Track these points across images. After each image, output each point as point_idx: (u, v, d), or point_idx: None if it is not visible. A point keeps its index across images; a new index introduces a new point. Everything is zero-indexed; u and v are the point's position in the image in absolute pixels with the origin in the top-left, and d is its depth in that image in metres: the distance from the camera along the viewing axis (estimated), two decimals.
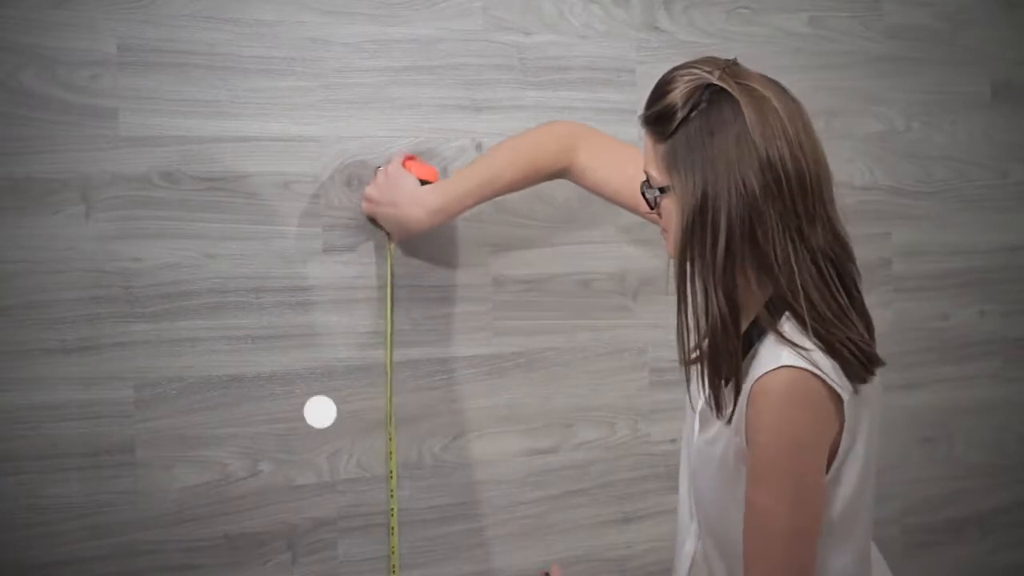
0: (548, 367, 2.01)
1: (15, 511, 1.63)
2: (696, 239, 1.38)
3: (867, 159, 2.29)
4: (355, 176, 1.85)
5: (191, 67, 1.73)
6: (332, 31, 1.83)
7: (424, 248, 1.89)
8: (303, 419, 1.81)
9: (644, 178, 1.46)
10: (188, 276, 1.73)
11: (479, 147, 1.93)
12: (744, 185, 1.35)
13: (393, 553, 1.85)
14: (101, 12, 1.68)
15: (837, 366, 1.37)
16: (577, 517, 2.03)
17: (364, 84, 1.85)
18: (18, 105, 1.63)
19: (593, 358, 2.04)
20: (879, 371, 1.43)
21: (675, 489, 2.08)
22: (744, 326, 1.41)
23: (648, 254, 2.08)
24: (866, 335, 1.41)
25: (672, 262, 1.44)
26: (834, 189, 1.43)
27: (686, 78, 1.39)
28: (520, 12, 1.97)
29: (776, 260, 1.36)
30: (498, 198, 1.88)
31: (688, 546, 1.55)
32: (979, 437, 2.47)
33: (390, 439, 1.84)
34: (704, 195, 1.36)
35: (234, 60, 1.76)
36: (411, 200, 1.76)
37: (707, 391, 1.43)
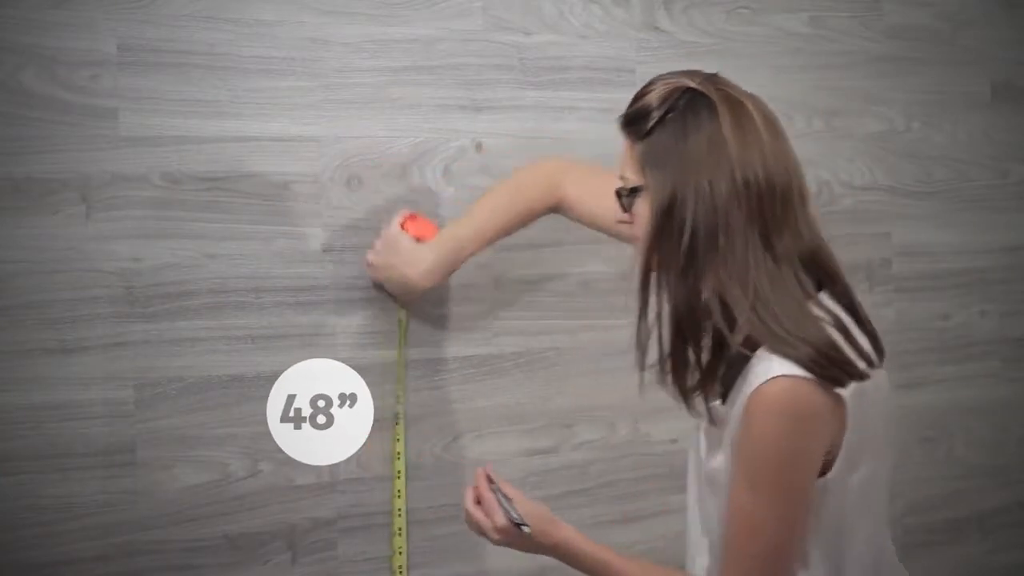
0: (548, 367, 2.00)
1: (15, 511, 1.63)
2: (662, 239, 1.38)
3: (867, 159, 2.29)
4: (355, 176, 1.85)
5: (191, 67, 1.73)
6: (332, 31, 1.83)
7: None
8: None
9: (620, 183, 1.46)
10: (188, 276, 1.73)
11: (479, 147, 1.93)
12: (712, 187, 1.35)
13: (400, 554, 1.84)
14: (101, 12, 1.68)
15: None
16: (577, 517, 2.02)
17: (364, 84, 1.85)
18: (18, 105, 1.63)
19: (593, 358, 2.03)
20: (887, 370, 1.43)
21: (675, 489, 2.09)
22: (738, 340, 1.38)
23: None
24: (867, 346, 1.40)
25: (635, 265, 1.43)
26: (809, 201, 1.42)
27: (665, 82, 1.41)
28: (520, 12, 1.97)
29: (735, 263, 1.35)
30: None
31: (701, 560, 1.54)
32: (979, 437, 2.47)
33: (398, 439, 1.84)
34: (673, 195, 1.36)
35: (234, 60, 1.76)
36: (407, 261, 1.76)
37: (683, 399, 1.43)
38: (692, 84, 1.39)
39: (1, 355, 1.62)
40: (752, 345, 1.37)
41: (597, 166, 1.81)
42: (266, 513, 1.79)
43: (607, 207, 1.55)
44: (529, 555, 1.84)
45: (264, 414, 1.78)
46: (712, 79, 1.41)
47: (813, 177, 2.22)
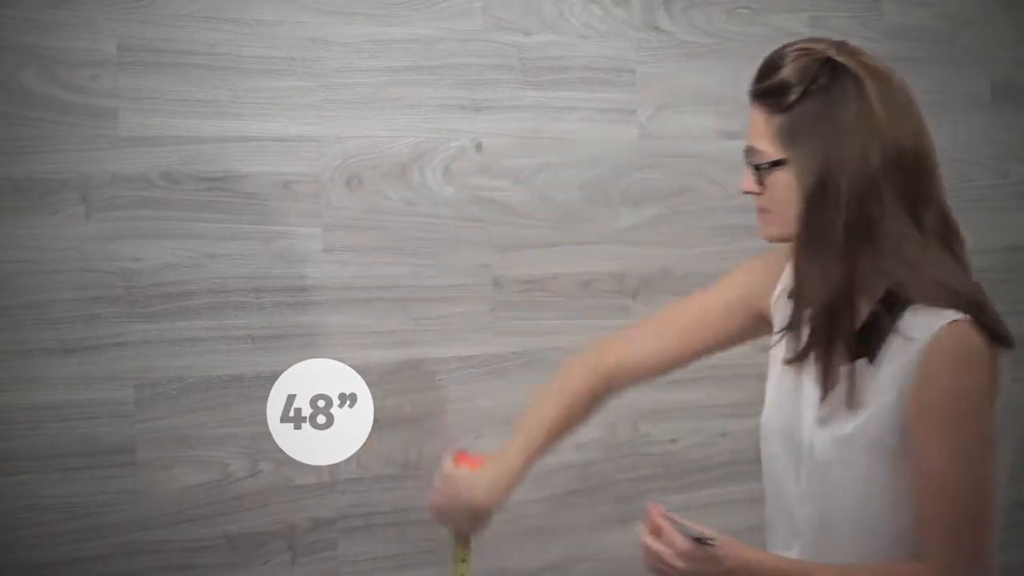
0: (548, 367, 2.00)
1: (15, 511, 1.63)
2: (816, 212, 1.37)
3: None
4: (355, 176, 1.85)
5: (191, 67, 1.73)
6: (332, 31, 1.83)
7: (423, 250, 1.89)
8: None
9: (753, 151, 1.43)
10: (188, 276, 1.73)
11: (479, 147, 1.93)
12: (865, 160, 1.34)
13: None
14: (101, 12, 1.68)
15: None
16: (577, 517, 2.03)
17: (364, 84, 1.85)
18: (18, 105, 1.63)
19: None
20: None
21: (675, 489, 2.09)
22: (867, 310, 1.37)
23: (648, 254, 2.08)
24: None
25: (759, 234, 1.43)
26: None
27: (801, 53, 1.40)
28: (520, 12, 1.97)
29: (888, 235, 1.35)
30: (498, 197, 1.87)
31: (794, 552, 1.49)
32: None
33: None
34: (825, 169, 1.36)
35: (234, 60, 1.76)
36: (467, 486, 1.61)
37: (840, 381, 1.39)
38: (831, 55, 1.38)
39: (1, 355, 1.62)
40: (902, 303, 1.36)
41: (627, 330, 1.74)
42: (266, 513, 1.79)
43: (649, 349, 1.58)
44: (528, 555, 1.85)
45: (264, 414, 1.78)
46: (846, 48, 1.40)
47: None
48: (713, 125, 2.14)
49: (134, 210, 1.70)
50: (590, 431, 2.04)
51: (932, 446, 1.34)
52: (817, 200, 1.37)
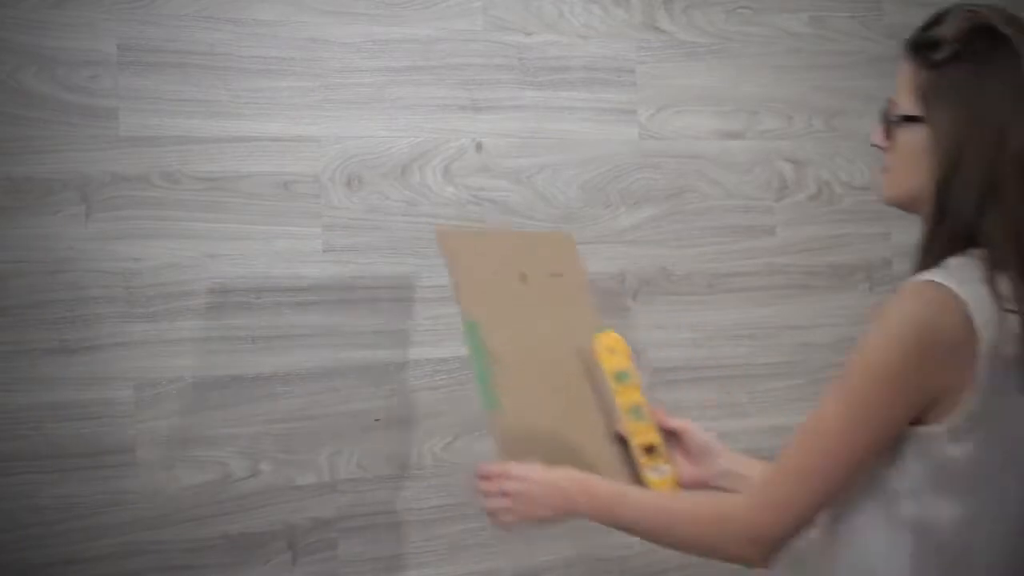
0: None
1: (15, 511, 1.63)
2: (949, 184, 1.30)
3: (867, 159, 2.29)
4: (355, 176, 1.85)
5: (191, 67, 1.73)
6: (332, 31, 1.83)
7: (423, 250, 1.89)
8: (303, 419, 1.81)
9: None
10: (188, 276, 1.73)
11: (479, 147, 1.93)
12: (1012, 144, 1.28)
13: None
14: (101, 12, 1.68)
15: (1007, 319, 1.25)
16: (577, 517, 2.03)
17: (364, 84, 1.85)
18: (18, 105, 1.63)
19: None
20: None
21: None
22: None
23: (648, 254, 2.08)
24: None
25: (927, 196, 1.32)
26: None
27: (969, 14, 1.33)
28: (520, 12, 1.97)
29: (1014, 220, 1.27)
30: (498, 197, 1.87)
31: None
32: None
33: None
34: (967, 141, 1.29)
35: (234, 60, 1.76)
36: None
37: None
38: (995, 23, 1.31)
39: (2, 355, 1.62)
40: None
41: None
42: (266, 513, 1.79)
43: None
44: (528, 555, 1.84)
45: (264, 414, 1.78)
46: (1016, 23, 1.32)
47: (813, 177, 2.22)
48: (713, 125, 2.14)
49: (134, 210, 1.70)
50: None
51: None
52: (951, 174, 1.30)
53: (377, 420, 1.86)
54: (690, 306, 2.11)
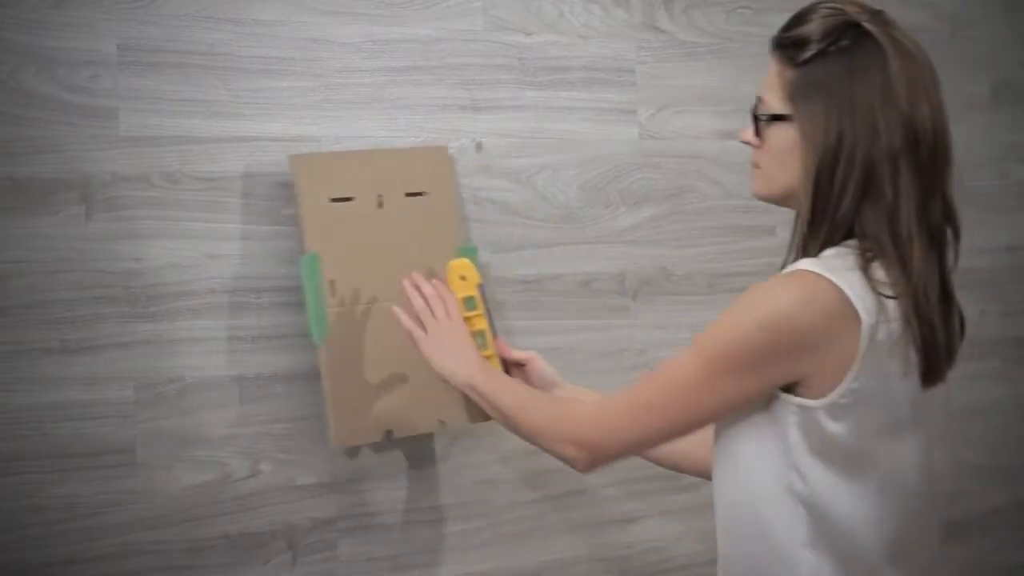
0: None
1: (15, 511, 1.63)
2: (825, 180, 1.32)
3: None
4: None
5: (191, 67, 1.73)
6: (332, 31, 1.83)
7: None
8: (303, 419, 1.81)
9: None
10: (188, 276, 1.73)
11: (479, 147, 1.93)
12: (884, 137, 1.30)
13: None
14: (101, 12, 1.68)
15: (884, 304, 1.29)
16: (577, 517, 2.03)
17: (364, 84, 1.85)
18: (18, 105, 1.63)
19: (593, 358, 2.03)
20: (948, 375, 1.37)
21: (675, 489, 2.09)
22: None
23: (648, 254, 2.08)
24: (957, 327, 1.36)
25: (803, 192, 1.36)
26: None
27: (831, 11, 1.35)
28: (520, 12, 1.97)
29: (899, 221, 1.30)
30: (498, 197, 1.87)
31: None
32: (979, 437, 2.47)
33: None
34: (840, 136, 1.31)
35: (234, 60, 1.76)
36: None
37: None
38: (860, 21, 1.33)
39: (2, 355, 1.62)
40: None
41: None
42: (266, 513, 1.79)
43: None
44: (528, 555, 1.84)
45: (264, 414, 1.78)
46: (879, 18, 1.35)
47: None
48: (713, 125, 2.14)
49: (134, 210, 1.70)
50: None
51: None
52: (826, 170, 1.32)
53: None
54: (690, 306, 2.11)
